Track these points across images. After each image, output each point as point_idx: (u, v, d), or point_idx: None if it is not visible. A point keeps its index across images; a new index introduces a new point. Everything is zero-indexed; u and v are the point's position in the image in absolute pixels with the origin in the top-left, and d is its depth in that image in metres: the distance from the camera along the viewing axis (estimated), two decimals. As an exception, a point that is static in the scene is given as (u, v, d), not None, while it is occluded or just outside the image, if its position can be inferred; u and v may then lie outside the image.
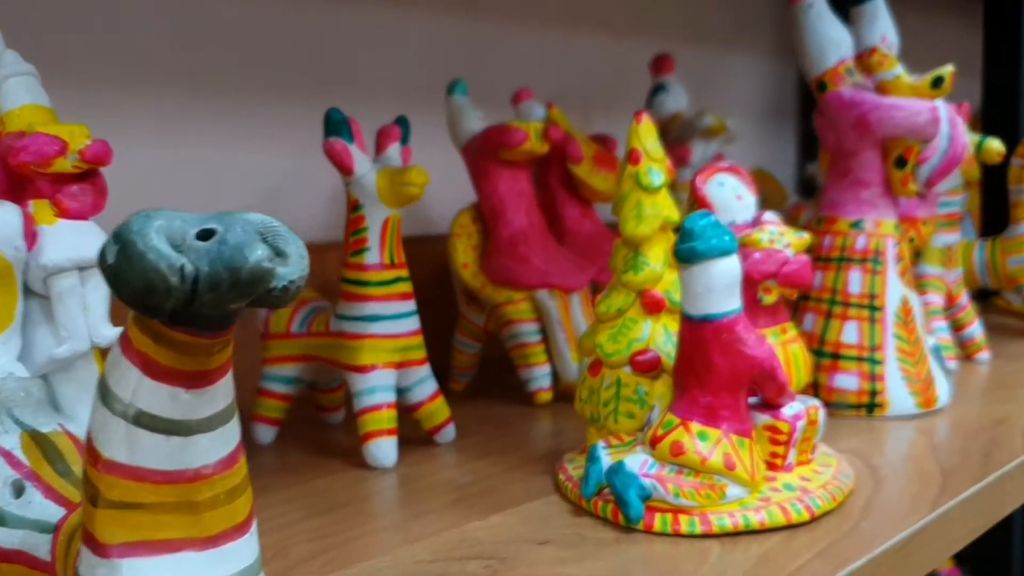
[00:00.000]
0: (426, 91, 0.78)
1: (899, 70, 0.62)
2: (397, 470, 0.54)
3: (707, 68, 1.24)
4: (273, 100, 0.76)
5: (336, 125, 0.55)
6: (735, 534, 0.43)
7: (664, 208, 0.50)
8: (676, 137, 0.92)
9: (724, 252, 0.43)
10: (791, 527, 0.44)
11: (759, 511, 0.44)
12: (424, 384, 0.57)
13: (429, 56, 0.87)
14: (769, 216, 0.53)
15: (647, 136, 0.50)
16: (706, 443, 0.43)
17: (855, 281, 0.64)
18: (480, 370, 0.74)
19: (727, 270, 0.43)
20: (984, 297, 1.03)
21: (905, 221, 0.69)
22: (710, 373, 0.44)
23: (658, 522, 0.43)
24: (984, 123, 1.20)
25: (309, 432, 0.62)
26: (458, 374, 0.73)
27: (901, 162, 0.64)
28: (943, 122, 0.67)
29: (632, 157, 0.50)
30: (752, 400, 0.46)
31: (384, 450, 0.54)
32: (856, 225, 0.65)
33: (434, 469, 0.55)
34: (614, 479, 0.44)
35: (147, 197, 0.48)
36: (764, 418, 0.46)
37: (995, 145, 0.75)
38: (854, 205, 0.65)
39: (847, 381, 0.64)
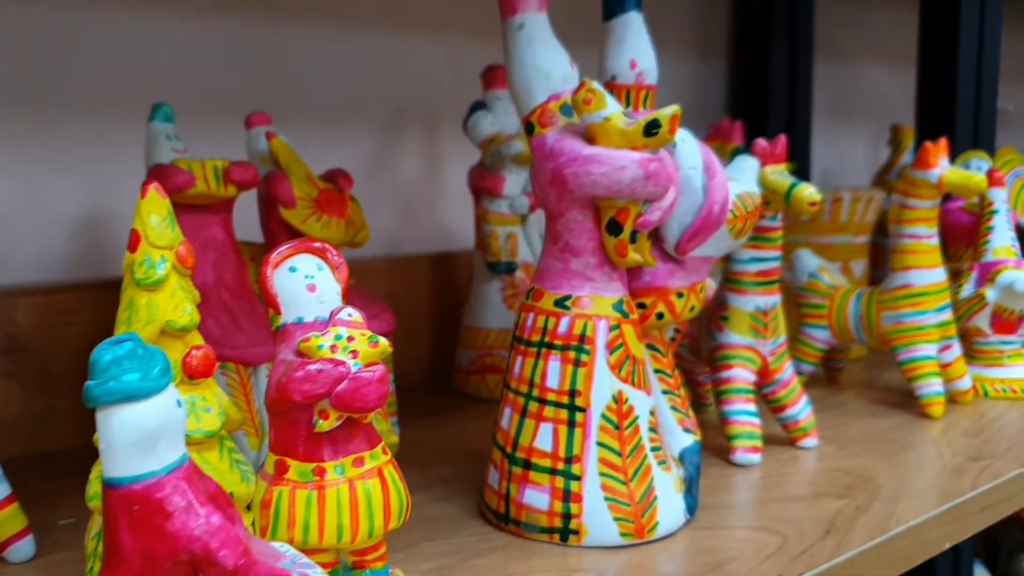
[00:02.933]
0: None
1: (609, 110, 0.49)
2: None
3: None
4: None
5: None
6: None
7: (164, 310, 0.38)
8: (488, 165, 0.80)
9: (128, 397, 0.32)
10: None
11: None
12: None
13: (207, 66, 0.76)
14: (347, 313, 0.41)
15: (151, 212, 0.39)
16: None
17: (553, 373, 0.52)
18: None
19: (135, 421, 0.32)
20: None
21: (653, 293, 0.55)
22: (117, 555, 0.33)
23: None
24: (918, 120, 1.04)
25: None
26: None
27: (614, 227, 0.51)
28: (696, 173, 0.54)
29: (130, 241, 0.39)
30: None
31: None
32: (561, 303, 0.52)
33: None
34: None
35: None
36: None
37: (806, 193, 0.61)
38: (563, 278, 0.52)
39: (537, 498, 0.51)
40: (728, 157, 0.94)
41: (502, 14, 0.53)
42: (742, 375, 0.66)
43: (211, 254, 0.60)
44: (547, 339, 0.52)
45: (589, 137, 0.50)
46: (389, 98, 0.90)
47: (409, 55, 0.91)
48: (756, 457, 0.64)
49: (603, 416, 0.51)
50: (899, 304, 0.78)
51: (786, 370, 0.68)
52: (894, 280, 0.78)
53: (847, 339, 0.83)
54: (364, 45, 0.88)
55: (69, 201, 0.73)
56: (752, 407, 0.66)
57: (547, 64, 0.52)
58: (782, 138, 0.65)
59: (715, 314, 0.68)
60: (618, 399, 0.51)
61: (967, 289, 0.85)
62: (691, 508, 0.54)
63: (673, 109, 0.49)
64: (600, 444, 0.51)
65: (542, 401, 0.52)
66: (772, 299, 0.66)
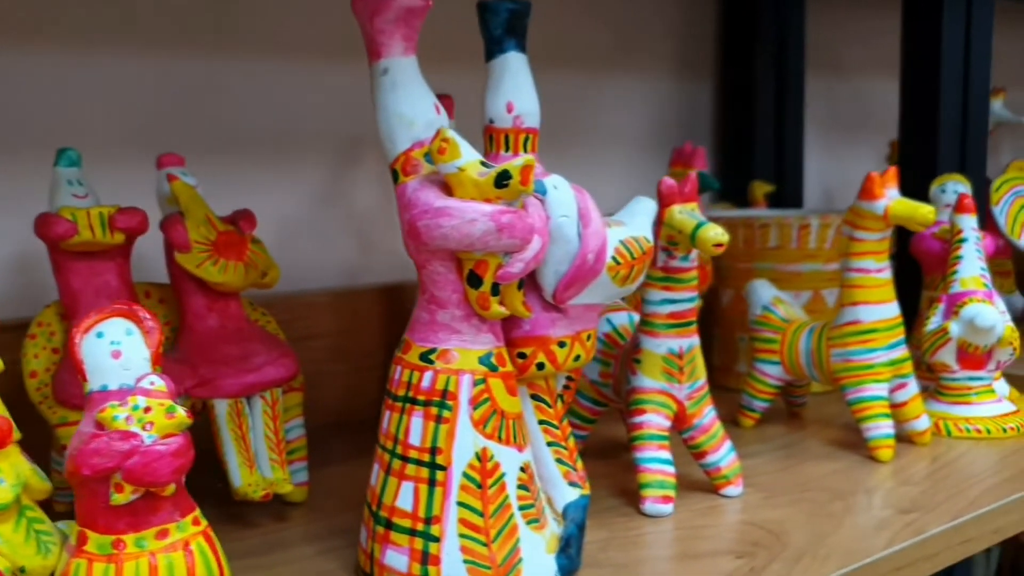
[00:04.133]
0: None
1: (464, 160, 0.47)
2: None
3: (592, 93, 1.09)
4: None
5: None
6: None
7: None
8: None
9: None
10: None
11: None
12: None
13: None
14: (149, 382, 0.40)
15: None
16: None
17: (416, 430, 0.50)
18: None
19: None
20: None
21: (532, 343, 0.53)
22: None
23: None
24: (900, 138, 1.00)
25: None
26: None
27: (474, 279, 0.49)
28: (569, 221, 0.52)
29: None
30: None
31: None
32: (426, 356, 0.50)
33: None
34: None
35: None
36: None
37: (711, 234, 0.58)
38: (430, 330, 0.51)
39: (397, 559, 0.50)
40: (691, 183, 0.91)
41: (368, 58, 0.52)
42: (655, 420, 0.63)
43: (104, 300, 0.59)
44: (411, 394, 0.50)
45: (446, 186, 0.48)
46: (343, 130, 0.90)
47: (363, 86, 0.90)
48: (667, 508, 0.62)
49: (465, 475, 0.49)
50: (847, 341, 0.74)
51: (706, 415, 0.65)
52: (843, 316, 0.75)
53: (800, 376, 0.80)
54: (316, 77, 0.87)
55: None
56: (665, 454, 0.63)
57: (410, 111, 0.50)
58: (692, 176, 0.62)
59: (629, 356, 0.65)
60: (482, 456, 0.50)
61: (933, 322, 0.81)
62: (565, 568, 0.52)
63: (524, 160, 0.47)
64: (461, 504, 0.49)
65: (404, 458, 0.50)
66: (687, 341, 0.63)
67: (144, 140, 0.77)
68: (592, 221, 0.52)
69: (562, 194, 0.52)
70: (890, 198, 0.71)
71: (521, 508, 0.51)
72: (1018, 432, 0.79)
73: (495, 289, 0.49)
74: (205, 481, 0.55)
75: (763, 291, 0.83)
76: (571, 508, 0.54)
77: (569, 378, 0.59)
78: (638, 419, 0.64)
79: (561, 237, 0.52)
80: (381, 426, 0.52)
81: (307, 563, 0.55)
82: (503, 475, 0.50)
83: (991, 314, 0.77)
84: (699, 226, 0.59)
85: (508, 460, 0.50)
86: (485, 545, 0.49)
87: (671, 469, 0.63)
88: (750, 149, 1.16)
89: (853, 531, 0.59)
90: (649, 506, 0.62)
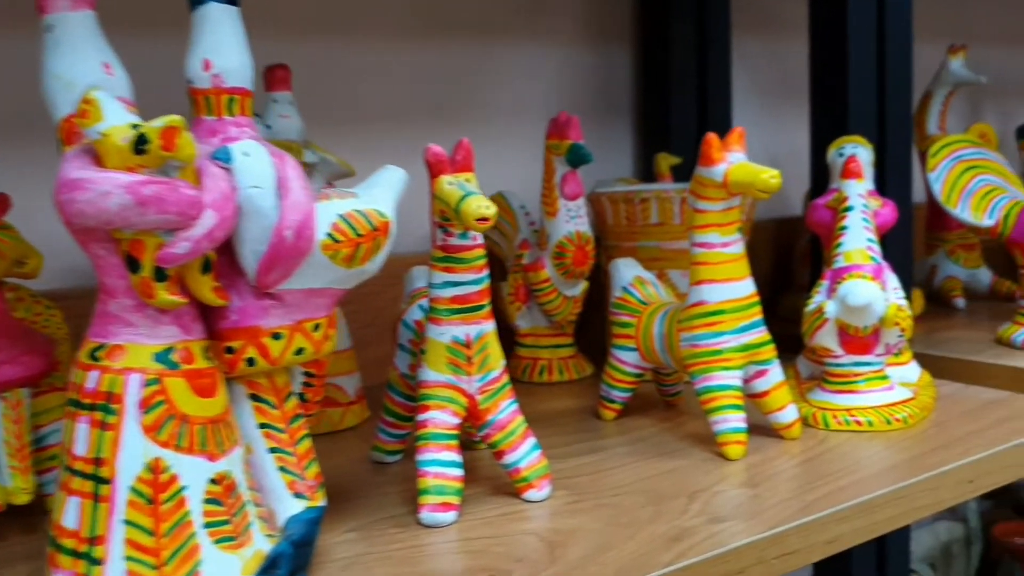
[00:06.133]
0: None
1: (108, 124, 0.40)
2: None
3: (491, 63, 1.01)
4: None
5: None
6: None
7: None
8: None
9: None
10: None
11: None
12: None
13: None
14: None
15: None
16: None
17: (81, 438, 0.44)
18: None
19: None
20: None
21: (241, 335, 0.47)
22: None
23: None
24: (811, 101, 0.91)
25: None
26: None
27: (132, 263, 0.42)
28: (263, 193, 0.45)
29: None
30: None
31: None
32: (93, 354, 0.44)
33: None
34: None
35: None
36: None
37: (474, 207, 0.51)
38: (102, 323, 0.44)
39: (62, 585, 0.43)
40: (565, 154, 0.84)
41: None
42: (439, 418, 0.56)
43: None
44: (77, 397, 0.44)
45: (94, 155, 0.42)
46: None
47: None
48: (447, 516, 0.55)
49: (133, 489, 0.43)
50: (694, 324, 0.66)
51: (503, 410, 0.57)
52: (690, 297, 0.67)
53: (656, 362, 0.72)
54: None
55: None
56: (451, 456, 0.56)
57: (69, 72, 0.44)
58: (465, 142, 0.55)
59: (419, 348, 0.58)
60: (154, 468, 0.43)
61: (815, 301, 0.73)
62: (267, 594, 0.45)
63: (168, 119, 0.40)
64: (128, 522, 0.43)
65: (71, 471, 0.44)
66: (475, 328, 0.56)
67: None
68: (291, 192, 0.45)
69: (254, 161, 0.45)
70: (730, 162, 0.63)
71: (209, 525, 0.44)
72: (906, 423, 0.70)
73: (160, 274, 0.42)
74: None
75: (625, 271, 0.75)
76: (291, 523, 0.47)
77: (309, 374, 0.52)
78: (421, 416, 0.57)
79: (255, 211, 0.45)
80: (63, 436, 0.46)
81: (13, 585, 0.49)
82: (182, 489, 0.43)
83: (866, 291, 0.68)
84: (463, 198, 0.51)
85: (191, 471, 0.44)
86: (155, 568, 0.42)
87: (456, 472, 0.56)
88: (666, 120, 1.08)
89: (641, 545, 0.51)
90: (425, 515, 0.55)
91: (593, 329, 0.90)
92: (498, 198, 0.93)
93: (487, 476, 0.62)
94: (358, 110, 0.93)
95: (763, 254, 1.15)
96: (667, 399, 0.78)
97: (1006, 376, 0.87)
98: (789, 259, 1.17)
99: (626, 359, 0.73)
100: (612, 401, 0.74)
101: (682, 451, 0.67)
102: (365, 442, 0.71)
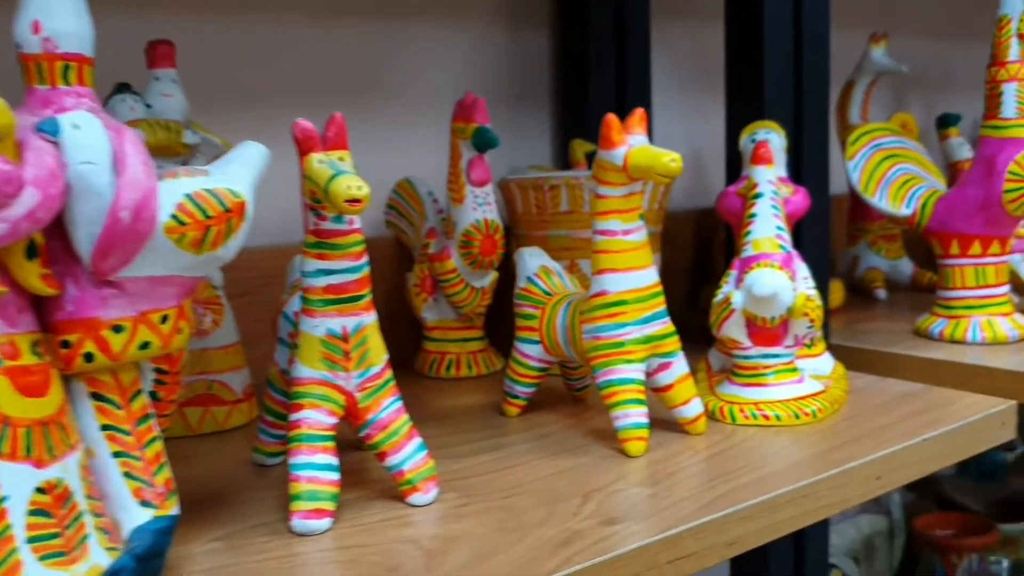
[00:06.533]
0: None
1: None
2: None
3: (401, 46, 0.97)
4: None
5: None
6: None
7: None
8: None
9: None
10: None
11: None
12: None
13: None
14: None
15: None
16: None
17: None
18: None
19: None
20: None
21: (78, 328, 0.42)
22: None
23: None
24: (727, 87, 0.89)
25: None
26: None
27: (-62, 247, 0.38)
28: (96, 169, 0.40)
29: None
30: None
31: None
32: (-102, 349, 0.39)
33: None
34: None
35: None
36: None
37: (343, 187, 0.46)
38: (-91, 313, 0.40)
39: None
40: (471, 138, 0.80)
41: None
42: (313, 418, 0.52)
43: None
44: None
45: None
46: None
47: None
48: (320, 524, 0.51)
49: (-61, 500, 0.38)
50: (596, 315, 0.63)
51: (384, 408, 0.54)
52: (592, 287, 0.64)
53: (560, 356, 0.69)
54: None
55: None
56: (326, 458, 0.52)
57: None
58: (337, 117, 0.51)
59: (294, 342, 0.54)
60: (-34, 476, 0.38)
61: (723, 291, 0.70)
62: (104, 613, 0.41)
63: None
64: (-65, 538, 0.38)
65: None
66: (353, 320, 0.52)
67: None
68: (129, 168, 0.41)
69: (85, 135, 0.41)
70: (630, 145, 0.60)
71: (34, 540, 0.39)
72: (815, 417, 0.68)
73: (-29, 259, 0.38)
74: None
75: (531, 260, 0.72)
76: (136, 534, 0.43)
77: (161, 370, 0.48)
78: (294, 416, 0.52)
79: (88, 190, 0.40)
80: None
81: None
82: (2, 500, 0.39)
83: (772, 280, 0.66)
84: (332, 178, 0.47)
85: (13, 480, 0.39)
86: (-38, 591, 0.38)
87: (331, 476, 0.52)
88: (587, 106, 1.04)
89: (526, 550, 0.48)
90: (297, 522, 0.51)
91: (505, 322, 0.86)
92: (404, 184, 0.89)
93: (376, 479, 0.59)
94: (259, 92, 0.88)
95: (684, 245, 1.13)
96: (574, 394, 0.75)
97: (922, 368, 0.86)
98: (710, 250, 1.14)
99: (530, 352, 0.69)
100: (516, 397, 0.71)
101: (584, 448, 0.64)
102: (252, 443, 0.67)
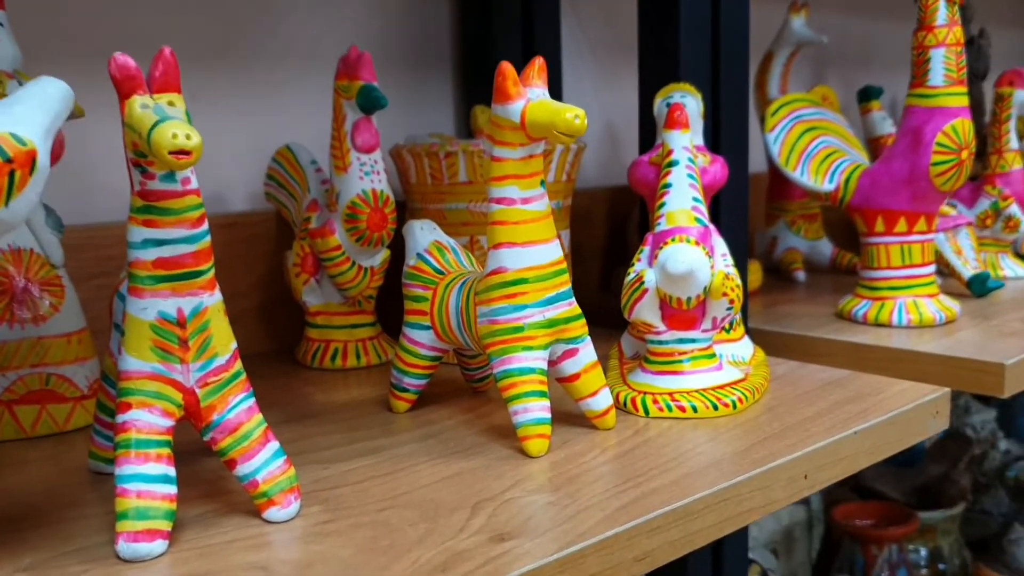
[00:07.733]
0: None
1: None
2: None
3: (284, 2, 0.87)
4: None
5: None
6: None
7: None
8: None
9: None
10: None
11: None
12: None
13: None
14: None
15: None
16: None
17: None
18: None
19: None
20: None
21: None
22: None
23: None
24: (640, 43, 0.81)
25: None
26: None
27: None
28: None
29: None
30: None
31: None
32: None
33: None
34: None
35: None
36: None
37: (168, 136, 0.37)
38: None
39: None
40: (355, 97, 0.71)
41: None
42: (144, 420, 0.43)
43: None
44: None
45: None
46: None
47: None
48: (153, 547, 0.42)
49: None
50: (492, 296, 0.55)
51: (232, 407, 0.45)
52: (488, 263, 0.56)
53: (454, 342, 0.61)
54: None
55: None
56: (159, 468, 0.43)
57: None
58: (166, 51, 0.42)
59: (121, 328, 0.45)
60: None
61: (635, 269, 0.63)
62: None
63: None
64: None
65: None
66: (191, 301, 0.43)
67: None
68: None
69: None
70: (528, 99, 0.52)
71: None
72: (735, 408, 0.61)
73: None
74: None
75: (421, 235, 0.63)
76: None
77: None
78: (121, 417, 0.43)
79: None
80: None
81: None
82: None
83: (688, 257, 0.59)
84: (155, 125, 0.38)
85: None
86: None
87: (166, 490, 0.43)
88: (492, 71, 0.96)
89: (397, 576, 0.40)
90: (123, 546, 0.42)
91: (398, 306, 0.78)
92: (285, 152, 0.80)
93: (233, 489, 0.50)
94: (119, 46, 0.78)
95: (597, 224, 1.06)
96: (474, 385, 0.67)
97: (846, 352, 0.80)
98: (624, 230, 1.08)
99: (420, 339, 0.61)
100: (404, 390, 0.63)
101: (478, 448, 0.56)
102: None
